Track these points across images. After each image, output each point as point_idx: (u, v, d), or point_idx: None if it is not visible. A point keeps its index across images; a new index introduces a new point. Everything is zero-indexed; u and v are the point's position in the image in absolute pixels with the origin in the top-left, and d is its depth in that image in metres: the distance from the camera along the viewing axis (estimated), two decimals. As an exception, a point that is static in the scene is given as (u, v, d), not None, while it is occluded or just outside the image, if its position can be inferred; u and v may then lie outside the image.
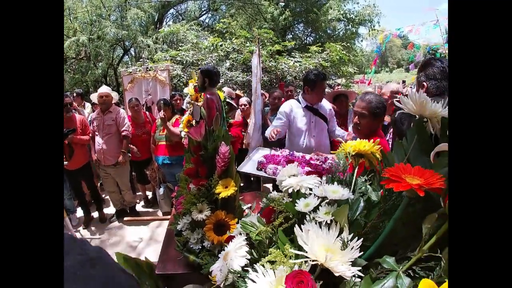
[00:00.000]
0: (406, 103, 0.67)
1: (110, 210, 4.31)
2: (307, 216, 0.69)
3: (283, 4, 12.71)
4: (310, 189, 0.77)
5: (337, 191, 0.70)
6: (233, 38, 8.59)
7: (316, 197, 0.72)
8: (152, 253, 3.10)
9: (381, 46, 11.62)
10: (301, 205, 0.71)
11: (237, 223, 1.22)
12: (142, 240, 3.59)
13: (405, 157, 0.66)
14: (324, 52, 8.43)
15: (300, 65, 7.84)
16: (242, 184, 4.58)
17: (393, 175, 0.54)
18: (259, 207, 1.02)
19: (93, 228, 3.95)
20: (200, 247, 1.25)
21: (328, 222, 0.64)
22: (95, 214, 4.16)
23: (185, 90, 3.32)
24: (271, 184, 4.65)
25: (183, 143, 3.30)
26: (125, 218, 4.02)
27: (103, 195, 4.62)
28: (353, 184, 0.75)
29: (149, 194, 4.59)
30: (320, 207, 0.69)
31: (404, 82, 10.72)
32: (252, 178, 4.83)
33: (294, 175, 0.86)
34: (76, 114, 3.84)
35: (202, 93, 2.77)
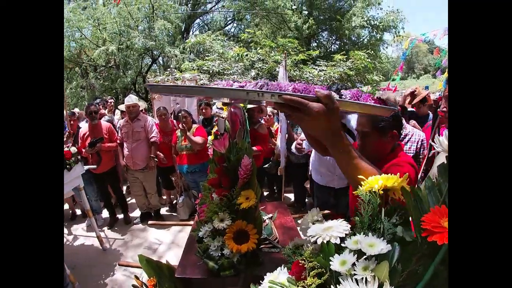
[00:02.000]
0: (442, 143, 0.64)
1: (135, 213, 4.49)
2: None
3: (306, 12, 12.78)
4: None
5: (375, 245, 0.62)
6: (258, 48, 8.72)
7: (351, 253, 0.64)
8: (172, 257, 3.18)
9: (406, 51, 11.33)
10: (336, 264, 0.63)
11: (257, 233, 1.26)
12: (164, 243, 3.69)
13: (440, 198, 0.60)
14: (349, 60, 8.36)
15: (324, 74, 7.81)
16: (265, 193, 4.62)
17: (433, 226, 0.49)
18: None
19: (117, 228, 4.13)
20: (219, 254, 1.30)
21: (368, 279, 0.59)
22: (120, 216, 4.35)
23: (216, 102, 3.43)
24: (293, 194, 4.66)
25: (207, 153, 3.40)
26: (149, 222, 4.15)
27: (129, 199, 4.81)
28: (382, 226, 0.69)
29: (174, 199, 4.73)
30: (356, 262, 0.62)
31: (427, 88, 10.34)
32: (275, 188, 4.86)
33: (317, 220, 0.81)
34: (102, 122, 4.01)
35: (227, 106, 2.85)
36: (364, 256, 0.62)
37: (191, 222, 3.00)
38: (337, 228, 0.70)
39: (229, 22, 16.06)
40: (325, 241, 0.67)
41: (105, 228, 4.12)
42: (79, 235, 4.01)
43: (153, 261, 1.43)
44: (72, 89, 11.63)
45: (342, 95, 0.82)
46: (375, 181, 0.73)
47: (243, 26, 15.04)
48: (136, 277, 1.44)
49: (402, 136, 2.74)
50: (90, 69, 12.52)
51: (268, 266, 1.35)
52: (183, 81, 5.51)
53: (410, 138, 2.78)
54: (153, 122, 4.00)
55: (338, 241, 0.67)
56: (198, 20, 15.68)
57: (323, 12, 13.70)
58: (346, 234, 0.68)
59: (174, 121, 4.49)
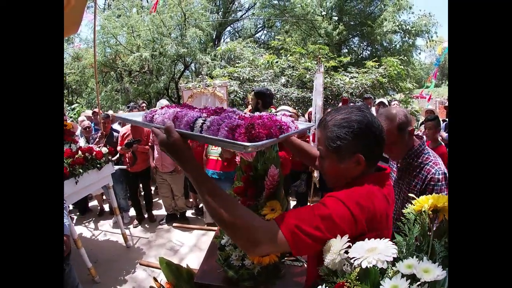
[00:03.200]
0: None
1: (161, 212, 4.61)
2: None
3: (336, 18, 12.61)
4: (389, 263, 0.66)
5: (430, 271, 0.59)
6: (288, 55, 8.72)
7: (404, 278, 0.61)
8: (194, 260, 3.21)
9: (440, 57, 10.76)
10: None
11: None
12: (186, 245, 3.72)
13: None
14: (381, 67, 8.12)
15: (356, 81, 7.63)
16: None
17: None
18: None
19: (142, 228, 4.25)
20: (240, 264, 1.28)
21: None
22: (146, 216, 4.49)
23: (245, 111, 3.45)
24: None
25: (235, 160, 3.40)
26: (174, 224, 4.23)
27: (156, 199, 4.95)
28: (430, 248, 0.66)
29: (200, 203, 4.79)
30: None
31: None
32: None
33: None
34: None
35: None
36: (418, 283, 0.58)
37: (215, 228, 3.01)
38: (385, 251, 0.66)
39: (259, 29, 16.27)
40: (370, 265, 0.64)
41: (131, 226, 4.26)
42: (105, 231, 4.18)
43: (173, 264, 1.43)
44: (107, 92, 12.20)
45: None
46: (425, 201, 0.73)
47: (273, 33, 15.17)
48: (155, 279, 1.44)
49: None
50: (125, 73, 13.12)
51: (289, 279, 1.33)
52: (213, 87, 5.63)
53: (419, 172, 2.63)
54: (183, 127, 4.09)
55: (385, 266, 0.63)
56: (229, 28, 16.03)
57: (353, 18, 13.48)
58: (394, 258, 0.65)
59: None
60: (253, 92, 2.99)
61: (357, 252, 0.67)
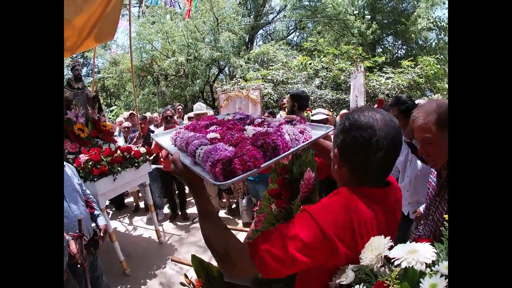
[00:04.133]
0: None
1: (194, 211, 4.67)
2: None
3: (369, 17, 12.21)
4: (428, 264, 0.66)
5: None
6: (322, 56, 8.60)
7: (443, 277, 0.61)
8: None
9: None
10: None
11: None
12: None
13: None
14: (417, 67, 7.75)
15: (392, 81, 7.35)
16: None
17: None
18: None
19: (175, 225, 4.38)
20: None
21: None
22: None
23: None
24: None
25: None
26: (208, 224, 4.31)
27: (190, 198, 5.09)
28: None
29: (233, 203, 4.85)
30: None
31: None
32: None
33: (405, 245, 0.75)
34: (176, 126, 4.35)
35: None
36: None
37: (247, 229, 3.02)
38: (424, 253, 0.68)
39: (292, 31, 16.20)
40: (410, 266, 0.66)
41: (164, 223, 4.41)
42: (139, 227, 4.37)
43: (205, 262, 1.45)
44: (145, 95, 12.79)
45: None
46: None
47: (305, 34, 15.04)
48: (186, 276, 1.47)
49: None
50: (161, 77, 13.66)
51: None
52: (247, 90, 5.71)
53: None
54: (218, 128, 4.19)
55: (423, 268, 0.64)
56: (261, 31, 16.14)
57: (386, 16, 12.97)
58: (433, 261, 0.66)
59: None
60: (289, 95, 2.98)
61: (399, 254, 0.69)
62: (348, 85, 7.65)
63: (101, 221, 2.27)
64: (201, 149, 0.88)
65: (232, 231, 3.08)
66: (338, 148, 0.87)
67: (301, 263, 0.74)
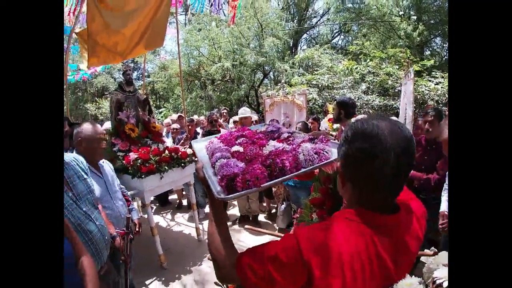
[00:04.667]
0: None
1: (235, 212, 4.81)
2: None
3: (415, 17, 11.48)
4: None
5: None
6: (368, 60, 8.30)
7: None
8: None
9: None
10: None
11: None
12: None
13: None
14: (469, 70, 7.07)
15: (442, 87, 6.81)
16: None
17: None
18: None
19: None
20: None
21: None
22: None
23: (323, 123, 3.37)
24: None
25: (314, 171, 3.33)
26: (246, 226, 4.35)
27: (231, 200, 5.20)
28: None
29: (273, 208, 4.85)
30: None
31: None
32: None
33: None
34: (221, 129, 4.47)
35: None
36: None
37: (281, 234, 2.99)
38: None
39: (336, 34, 15.84)
40: None
41: (205, 222, 4.49)
42: (180, 223, 4.55)
43: None
44: (192, 99, 13.33)
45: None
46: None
47: (350, 37, 14.62)
48: None
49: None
50: (208, 82, 14.17)
51: None
52: (293, 95, 5.71)
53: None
54: (262, 133, 4.24)
55: None
56: (305, 35, 15.97)
57: (433, 16, 12.06)
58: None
59: None
60: (335, 102, 2.92)
61: (441, 273, 0.70)
62: (396, 90, 7.27)
63: (135, 215, 2.39)
64: (219, 162, 0.96)
65: (270, 235, 3.08)
66: (340, 161, 0.77)
67: (278, 283, 0.71)
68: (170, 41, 15.61)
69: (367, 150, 0.68)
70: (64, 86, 3.57)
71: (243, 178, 0.82)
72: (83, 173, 1.63)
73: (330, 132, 2.70)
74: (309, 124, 4.26)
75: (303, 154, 0.96)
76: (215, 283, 1.51)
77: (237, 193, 0.82)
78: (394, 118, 0.73)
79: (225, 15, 12.75)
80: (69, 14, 6.09)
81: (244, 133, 1.37)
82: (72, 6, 5.65)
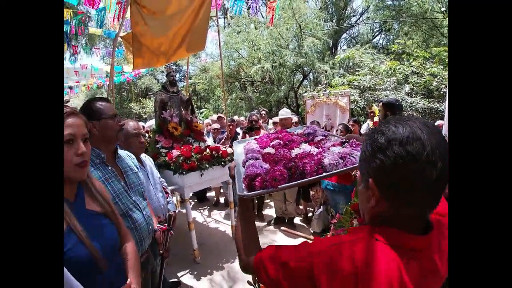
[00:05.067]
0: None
1: (271, 213, 4.83)
2: None
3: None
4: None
5: None
6: (411, 59, 7.89)
7: None
8: None
9: None
10: None
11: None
12: None
13: None
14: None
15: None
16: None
17: None
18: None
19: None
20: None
21: None
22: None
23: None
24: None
25: (351, 174, 3.26)
26: (282, 228, 4.35)
27: (268, 200, 5.24)
28: None
29: (309, 212, 4.80)
30: None
31: None
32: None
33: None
34: (261, 131, 4.51)
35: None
36: None
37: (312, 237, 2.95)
38: None
39: (376, 33, 15.20)
40: None
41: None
42: (216, 220, 4.66)
43: None
44: (232, 100, 13.56)
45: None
46: None
47: (391, 36, 13.93)
48: (254, 277, 1.49)
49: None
50: (248, 83, 14.36)
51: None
52: (336, 97, 5.60)
53: None
54: (302, 134, 4.22)
55: None
56: (344, 35, 15.47)
57: None
58: None
59: None
60: (381, 103, 2.82)
61: None
62: (441, 92, 6.82)
63: (171, 208, 2.50)
64: (248, 163, 1.03)
65: (304, 238, 3.08)
66: (373, 177, 0.64)
67: None
68: (210, 44, 16.06)
69: (413, 154, 0.58)
70: (111, 86, 3.84)
71: (262, 178, 0.88)
72: (134, 167, 1.76)
73: None
74: (350, 127, 4.15)
75: (328, 158, 0.97)
76: (248, 282, 1.53)
77: (255, 192, 0.88)
78: (419, 117, 0.62)
79: (263, 17, 12.83)
80: (113, 20, 6.55)
81: (280, 135, 1.41)
82: (115, 13, 6.05)
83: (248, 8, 6.95)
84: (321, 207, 4.01)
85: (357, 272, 0.59)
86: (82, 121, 1.06)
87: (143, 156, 2.39)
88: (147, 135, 3.71)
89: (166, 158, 3.14)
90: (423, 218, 0.65)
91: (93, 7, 5.77)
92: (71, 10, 7.00)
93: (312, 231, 4.13)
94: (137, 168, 1.79)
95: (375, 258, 0.59)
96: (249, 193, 0.89)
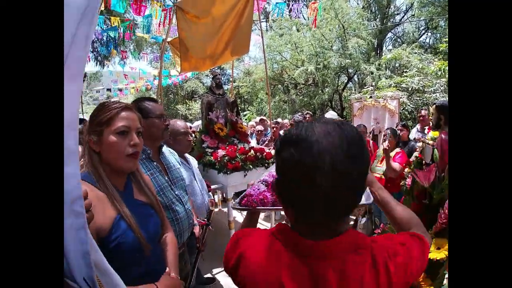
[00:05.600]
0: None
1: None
2: None
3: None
4: None
5: None
6: (461, 59, 7.24)
7: None
8: None
9: None
10: None
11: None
12: None
13: None
14: None
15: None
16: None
17: None
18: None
19: (289, 227, 4.55)
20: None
21: None
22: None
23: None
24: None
25: (398, 182, 3.09)
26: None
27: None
28: None
29: (351, 221, 4.64)
30: None
31: None
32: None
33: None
34: None
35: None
36: None
37: None
38: None
39: (423, 32, 14.17)
40: None
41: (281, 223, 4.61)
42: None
43: None
44: (276, 103, 13.62)
45: None
46: None
47: (438, 34, 12.88)
48: None
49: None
50: (291, 86, 14.32)
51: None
52: (384, 100, 5.37)
53: None
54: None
55: None
56: (389, 34, 14.65)
57: None
58: None
59: (371, 141, 4.29)
60: (434, 106, 2.62)
61: None
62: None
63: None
64: (255, 184, 1.15)
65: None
66: (276, 178, 0.65)
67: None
68: (253, 48, 16.34)
69: (294, 157, 0.55)
70: (160, 91, 4.07)
71: (247, 199, 1.02)
72: (176, 163, 1.86)
73: (426, 141, 2.38)
74: (398, 132, 3.92)
75: None
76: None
77: (239, 207, 1.05)
78: (340, 119, 0.65)
79: (305, 19, 12.68)
80: (159, 26, 6.93)
81: None
82: (161, 19, 6.36)
83: (290, 11, 6.94)
84: (366, 216, 3.84)
85: (241, 254, 0.69)
86: (136, 116, 1.13)
87: (188, 155, 2.50)
88: (193, 135, 3.88)
89: (211, 157, 3.25)
90: (319, 221, 0.60)
91: (139, 15, 6.17)
92: (118, 18, 7.50)
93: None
94: (179, 164, 1.90)
95: (262, 248, 0.66)
96: (237, 206, 1.06)
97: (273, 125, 4.88)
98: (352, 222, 4.50)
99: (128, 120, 1.08)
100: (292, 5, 6.05)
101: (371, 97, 5.57)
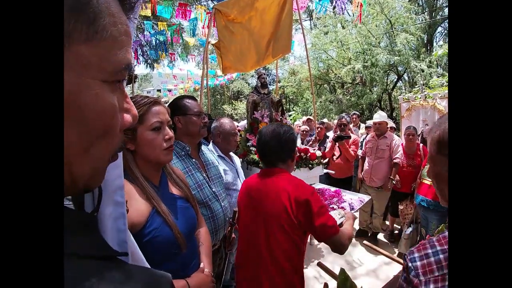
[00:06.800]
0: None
1: (355, 225, 4.53)
2: None
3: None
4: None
5: None
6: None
7: None
8: (366, 284, 2.99)
9: None
10: None
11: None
12: (365, 267, 3.51)
13: None
14: None
15: None
16: None
17: None
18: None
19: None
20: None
21: None
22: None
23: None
24: None
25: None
26: (364, 241, 4.07)
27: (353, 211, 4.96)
28: None
29: (396, 229, 4.39)
30: None
31: None
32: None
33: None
34: (351, 134, 4.33)
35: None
36: None
37: (400, 260, 2.64)
38: None
39: (476, 24, 12.68)
40: None
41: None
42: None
43: (349, 281, 1.37)
44: (322, 103, 13.32)
45: None
46: None
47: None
48: (326, 285, 1.44)
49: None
50: (338, 85, 13.92)
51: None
52: (434, 99, 4.97)
53: None
54: (399, 143, 3.88)
55: None
56: (439, 28, 13.39)
57: None
58: None
59: (421, 144, 4.07)
60: None
61: None
62: None
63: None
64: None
65: (386, 258, 2.82)
66: None
67: None
68: (298, 47, 16.13)
69: (259, 136, 1.58)
70: (205, 90, 4.15)
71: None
72: (215, 161, 1.91)
73: None
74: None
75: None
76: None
77: None
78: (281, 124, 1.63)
79: (349, 15, 12.16)
80: (203, 28, 7.13)
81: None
82: (205, 22, 6.54)
83: (334, 7, 6.70)
84: (412, 226, 3.59)
85: None
86: (165, 108, 1.13)
87: (232, 154, 2.56)
88: (238, 133, 3.96)
89: (255, 156, 3.26)
90: (267, 161, 1.63)
91: (185, 19, 6.39)
92: (165, 22, 7.90)
93: (397, 251, 3.75)
94: (218, 162, 1.95)
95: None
96: None
97: (318, 126, 4.76)
98: (396, 231, 4.26)
99: (160, 114, 1.09)
100: (336, 2, 5.86)
101: (420, 96, 5.17)
